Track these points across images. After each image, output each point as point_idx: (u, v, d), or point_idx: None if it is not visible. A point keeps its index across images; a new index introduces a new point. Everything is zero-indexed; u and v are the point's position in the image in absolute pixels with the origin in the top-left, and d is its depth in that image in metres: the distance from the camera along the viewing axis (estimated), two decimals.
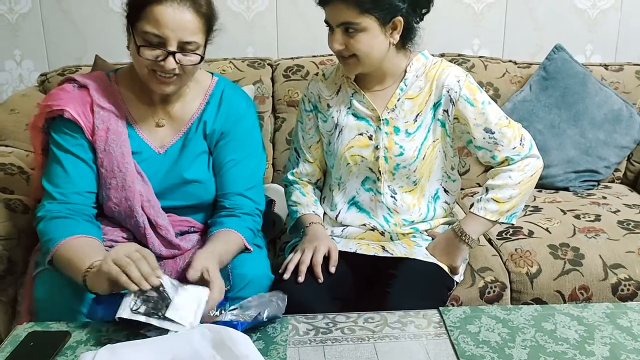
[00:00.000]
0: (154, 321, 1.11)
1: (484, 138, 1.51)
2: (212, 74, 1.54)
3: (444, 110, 1.51)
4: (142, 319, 1.11)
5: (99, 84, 1.44)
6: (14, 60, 2.51)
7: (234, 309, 1.20)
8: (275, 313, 1.21)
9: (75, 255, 1.25)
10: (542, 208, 1.97)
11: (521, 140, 1.52)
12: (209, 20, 1.36)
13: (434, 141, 1.54)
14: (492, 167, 1.56)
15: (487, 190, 1.52)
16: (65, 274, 1.27)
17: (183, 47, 1.32)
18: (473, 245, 1.53)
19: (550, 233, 1.79)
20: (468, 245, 1.50)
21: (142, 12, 1.30)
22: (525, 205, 1.99)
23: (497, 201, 1.50)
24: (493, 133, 1.50)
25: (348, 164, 1.56)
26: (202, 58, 1.36)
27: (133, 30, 1.33)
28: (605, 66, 2.37)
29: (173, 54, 1.31)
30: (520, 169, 1.50)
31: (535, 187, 2.16)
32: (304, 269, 1.42)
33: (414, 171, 1.53)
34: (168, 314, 1.12)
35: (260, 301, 1.22)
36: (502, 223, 1.53)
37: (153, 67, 1.33)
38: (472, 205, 1.53)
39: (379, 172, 1.54)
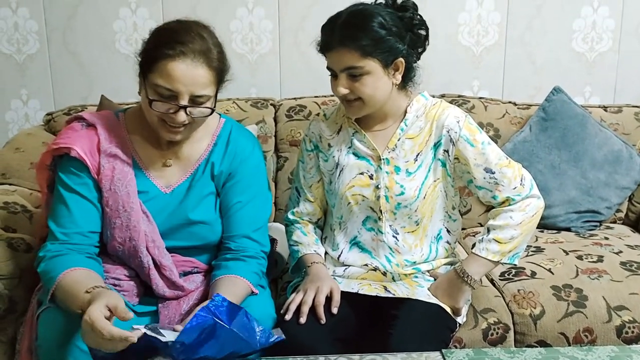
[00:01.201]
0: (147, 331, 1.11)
1: (484, 178, 1.51)
2: (219, 115, 1.55)
3: (445, 150, 1.52)
4: (142, 329, 1.12)
5: (107, 123, 1.46)
6: (21, 99, 2.54)
7: None
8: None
9: (74, 285, 1.25)
10: (544, 248, 1.96)
11: (522, 181, 1.52)
12: (220, 73, 1.38)
13: (434, 181, 1.55)
14: (493, 207, 1.56)
15: (488, 230, 1.52)
16: (65, 307, 1.27)
17: (194, 100, 1.34)
18: (475, 286, 1.52)
19: (553, 274, 1.78)
20: (470, 286, 1.50)
21: (154, 66, 1.32)
22: (528, 246, 1.99)
23: (498, 242, 1.50)
24: (493, 173, 1.51)
25: (349, 203, 1.57)
26: (212, 110, 1.38)
27: (145, 80, 1.35)
28: (605, 108, 2.40)
29: (184, 107, 1.33)
30: (522, 209, 1.51)
31: (537, 227, 2.16)
32: (306, 309, 1.41)
33: (415, 211, 1.54)
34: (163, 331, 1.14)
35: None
36: (504, 264, 1.53)
37: (163, 117, 1.35)
38: (473, 246, 1.53)
39: (380, 211, 1.55)
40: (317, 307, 1.42)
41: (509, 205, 1.52)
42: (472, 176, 1.52)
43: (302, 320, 1.40)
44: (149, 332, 1.12)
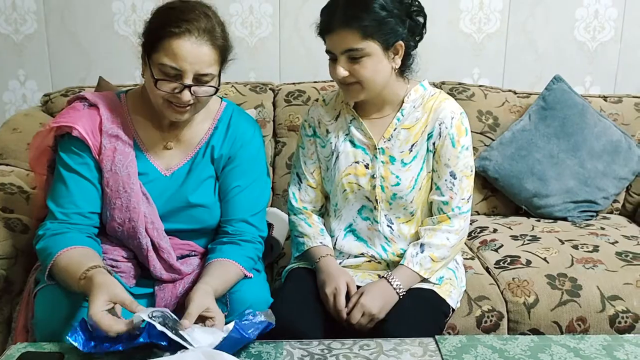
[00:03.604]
0: (168, 332, 1.11)
1: (445, 180, 1.52)
2: (221, 98, 1.55)
3: (433, 143, 1.52)
4: (159, 327, 1.11)
5: (109, 104, 1.45)
6: (18, 80, 2.53)
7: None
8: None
9: (71, 263, 1.25)
10: (540, 237, 1.96)
11: (469, 196, 1.54)
12: (224, 52, 1.37)
13: (428, 172, 1.55)
14: (430, 214, 1.57)
15: (422, 246, 1.51)
16: (63, 285, 1.27)
17: (199, 79, 1.33)
18: (400, 297, 1.49)
19: (548, 263, 1.79)
20: (398, 295, 1.48)
21: (159, 44, 1.31)
22: (523, 235, 1.99)
23: (433, 260, 1.51)
24: (455, 179, 1.52)
25: (345, 190, 1.57)
26: (217, 89, 1.38)
27: (149, 61, 1.34)
28: (605, 97, 2.39)
29: (189, 86, 1.32)
30: (457, 232, 1.53)
31: (534, 216, 2.20)
32: (344, 314, 1.44)
33: (411, 202, 1.54)
34: (182, 333, 1.13)
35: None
36: (426, 281, 1.52)
37: (168, 98, 1.35)
38: (404, 258, 1.52)
39: (376, 201, 1.55)
40: (340, 312, 1.43)
41: (448, 225, 1.52)
42: (437, 174, 1.53)
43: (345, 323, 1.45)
44: (172, 335, 1.12)
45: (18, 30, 2.47)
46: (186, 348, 1.11)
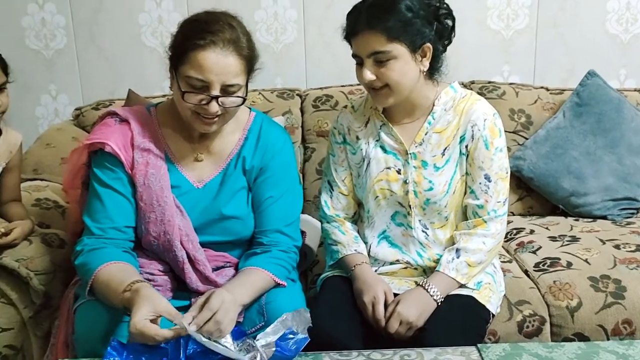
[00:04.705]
0: (215, 345, 1.12)
1: (480, 183, 1.49)
2: (249, 108, 1.54)
3: (466, 145, 1.49)
4: (203, 339, 1.13)
5: (140, 118, 1.46)
6: (50, 94, 2.57)
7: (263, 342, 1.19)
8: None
9: (112, 278, 1.26)
10: (579, 238, 1.91)
11: (505, 199, 1.51)
12: (250, 62, 1.37)
13: (462, 176, 1.52)
14: (465, 220, 1.54)
15: (457, 251, 1.48)
16: (104, 300, 1.28)
17: (226, 90, 1.33)
18: (439, 303, 1.45)
19: (589, 264, 1.74)
20: (436, 302, 1.45)
21: (185, 57, 1.31)
22: (562, 235, 1.94)
23: (469, 265, 1.47)
24: (490, 182, 1.48)
25: (377, 197, 1.54)
26: (244, 99, 1.37)
27: (176, 74, 1.35)
28: None
29: (217, 98, 1.32)
30: (494, 236, 1.49)
31: (571, 216, 2.14)
32: (383, 323, 1.42)
33: (445, 206, 1.51)
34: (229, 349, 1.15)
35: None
36: (464, 287, 1.49)
37: (196, 109, 1.35)
38: (439, 265, 1.49)
39: (409, 206, 1.52)
40: (379, 322, 1.42)
41: (484, 229, 1.49)
42: (471, 177, 1.50)
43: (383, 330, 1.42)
44: (219, 347, 1.13)
45: (48, 46, 2.50)
46: None
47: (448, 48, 1.50)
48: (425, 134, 1.51)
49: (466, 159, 1.50)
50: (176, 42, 1.36)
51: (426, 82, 1.50)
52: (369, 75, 1.42)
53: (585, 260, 1.76)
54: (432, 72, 1.49)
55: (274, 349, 1.16)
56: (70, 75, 2.53)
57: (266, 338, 1.20)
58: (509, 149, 2.13)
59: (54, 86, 2.56)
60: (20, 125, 1.91)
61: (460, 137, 1.49)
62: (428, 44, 1.42)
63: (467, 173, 1.52)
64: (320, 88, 2.37)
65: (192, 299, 1.43)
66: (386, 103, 1.48)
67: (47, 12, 2.47)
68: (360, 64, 1.44)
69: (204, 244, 1.45)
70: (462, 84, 1.59)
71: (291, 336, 1.20)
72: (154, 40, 2.48)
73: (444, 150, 1.50)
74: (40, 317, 1.62)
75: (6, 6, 2.45)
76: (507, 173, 1.51)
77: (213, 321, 1.17)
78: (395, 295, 1.47)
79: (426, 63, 1.45)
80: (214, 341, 1.14)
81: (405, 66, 1.41)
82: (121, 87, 2.43)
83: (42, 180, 2.07)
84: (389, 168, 1.53)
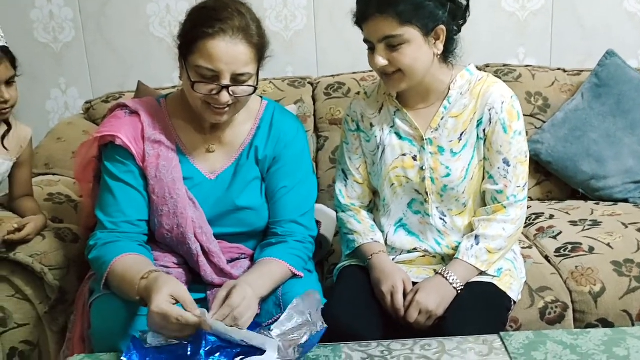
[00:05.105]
0: (238, 333, 1.12)
1: (498, 168, 1.45)
2: (261, 97, 1.52)
3: (483, 130, 1.46)
4: (228, 329, 1.12)
5: (150, 110, 1.43)
6: (60, 88, 2.56)
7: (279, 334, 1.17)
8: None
9: (128, 270, 1.24)
10: (601, 222, 1.87)
11: (525, 183, 1.47)
12: (261, 49, 1.34)
13: (480, 161, 1.48)
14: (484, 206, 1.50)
15: (477, 238, 1.45)
16: (119, 293, 1.26)
17: (236, 79, 1.30)
18: (458, 292, 1.42)
19: (612, 249, 1.70)
20: (456, 290, 1.41)
21: (194, 46, 1.29)
22: (583, 220, 1.90)
23: (489, 251, 1.44)
24: (509, 166, 1.44)
25: (393, 184, 1.51)
26: (255, 88, 1.34)
27: (185, 63, 1.32)
28: None
29: (227, 87, 1.29)
30: (513, 222, 1.46)
31: (592, 200, 2.10)
32: (402, 313, 1.39)
33: (463, 192, 1.48)
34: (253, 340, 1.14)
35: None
36: (484, 275, 1.46)
37: (207, 99, 1.32)
38: (458, 252, 1.46)
39: (426, 193, 1.49)
40: (398, 312, 1.39)
41: (504, 215, 1.45)
42: (489, 162, 1.47)
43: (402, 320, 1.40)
44: (244, 335, 1.12)
45: (57, 39, 2.49)
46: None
47: (462, 31, 1.46)
48: (441, 119, 1.48)
49: (484, 143, 1.47)
50: (185, 31, 1.33)
51: (440, 65, 1.46)
52: (381, 60, 1.38)
53: (608, 245, 1.72)
54: (447, 55, 1.45)
55: (291, 336, 1.14)
56: (79, 68, 2.52)
57: (281, 327, 1.18)
58: (526, 132, 2.10)
59: (64, 80, 2.54)
60: (31, 120, 1.90)
61: (478, 121, 1.45)
62: (441, 26, 1.38)
63: (485, 158, 1.48)
64: (332, 75, 2.34)
65: (208, 292, 1.42)
66: (399, 88, 1.45)
67: (54, 5, 2.45)
68: (372, 50, 1.41)
69: (218, 236, 1.43)
70: (477, 67, 1.54)
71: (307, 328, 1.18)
72: (162, 31, 2.45)
73: (461, 135, 1.47)
74: (55, 312, 1.61)
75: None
76: (526, 157, 1.47)
77: (231, 317, 1.16)
78: (414, 284, 1.44)
79: (440, 46, 1.41)
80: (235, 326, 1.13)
81: (418, 50, 1.37)
82: (131, 79, 2.42)
83: (53, 174, 2.07)
84: (404, 155, 1.50)
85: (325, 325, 1.18)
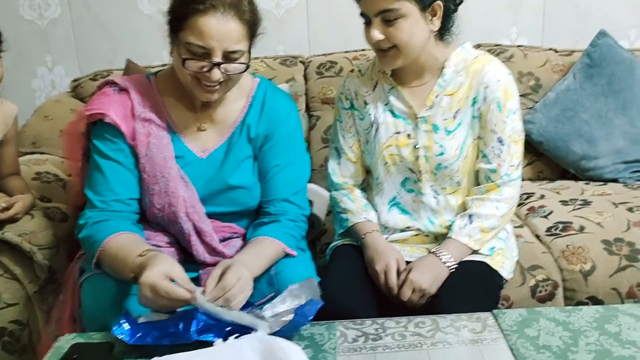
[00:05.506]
0: (228, 314, 1.11)
1: (492, 147, 1.45)
2: (253, 75, 1.49)
3: (478, 108, 1.45)
4: (218, 310, 1.11)
5: (140, 87, 1.41)
6: (46, 66, 2.51)
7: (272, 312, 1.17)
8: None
9: (121, 248, 1.23)
10: (591, 201, 1.88)
11: (519, 163, 1.47)
12: (253, 26, 1.32)
13: (474, 139, 1.48)
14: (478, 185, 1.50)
15: (470, 217, 1.45)
16: (111, 272, 1.25)
17: (228, 56, 1.28)
18: (451, 270, 1.42)
19: (602, 228, 1.71)
20: (448, 269, 1.41)
21: (185, 23, 1.26)
22: (573, 199, 1.91)
23: (482, 230, 1.44)
24: (503, 145, 1.44)
25: (386, 163, 1.51)
26: (247, 66, 1.32)
27: (176, 40, 1.30)
28: None
29: (218, 64, 1.27)
30: (507, 201, 1.46)
31: (582, 180, 2.11)
32: (396, 291, 1.39)
33: (457, 171, 1.47)
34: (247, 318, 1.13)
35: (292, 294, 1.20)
36: (477, 253, 1.46)
37: (198, 76, 1.30)
38: (451, 231, 1.46)
39: (420, 172, 1.48)
40: (392, 290, 1.39)
41: (497, 194, 1.45)
42: (484, 141, 1.46)
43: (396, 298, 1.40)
44: (234, 316, 1.12)
45: (42, 16, 2.43)
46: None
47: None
48: (436, 97, 1.47)
49: (478, 121, 1.46)
50: (175, 7, 1.30)
51: (436, 43, 1.45)
52: (377, 34, 1.37)
53: (598, 224, 1.73)
54: (443, 32, 1.44)
55: (283, 318, 1.14)
56: (66, 45, 2.47)
57: (273, 309, 1.17)
58: None
59: (50, 57, 2.49)
60: (17, 99, 1.85)
61: (473, 100, 1.45)
62: (439, 2, 1.37)
63: (479, 137, 1.47)
64: (324, 54, 2.32)
65: (200, 271, 1.41)
66: (394, 65, 1.43)
67: None
68: (368, 24, 1.39)
69: (210, 215, 1.42)
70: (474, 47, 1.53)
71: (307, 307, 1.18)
72: (151, 8, 2.40)
73: (456, 113, 1.46)
74: (45, 291, 1.60)
75: None
76: (520, 136, 1.47)
77: (224, 298, 1.15)
78: (407, 263, 1.45)
79: (437, 22, 1.40)
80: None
81: (414, 25, 1.36)
82: (119, 57, 2.37)
83: (41, 153, 2.04)
84: (398, 133, 1.49)
85: (321, 302, 1.18)
